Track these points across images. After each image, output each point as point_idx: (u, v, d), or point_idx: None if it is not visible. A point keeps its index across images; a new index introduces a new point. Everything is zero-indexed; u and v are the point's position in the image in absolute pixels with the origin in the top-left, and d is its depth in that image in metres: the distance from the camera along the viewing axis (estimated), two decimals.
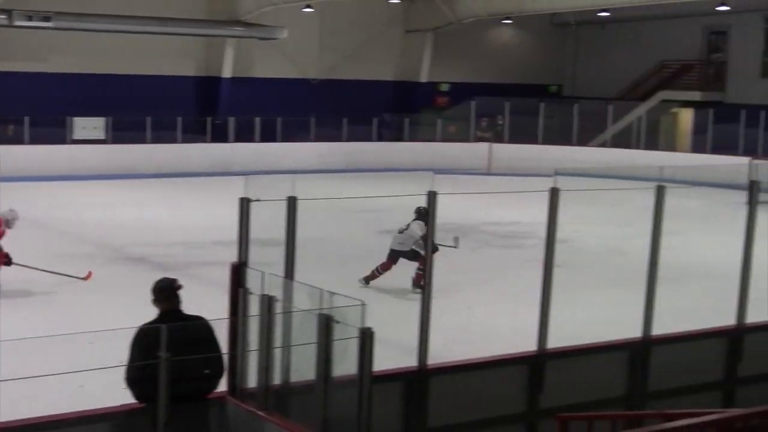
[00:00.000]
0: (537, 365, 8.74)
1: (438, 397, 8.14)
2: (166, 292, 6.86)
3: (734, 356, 9.89)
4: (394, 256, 14.67)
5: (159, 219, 20.97)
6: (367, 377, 6.22)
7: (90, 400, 7.27)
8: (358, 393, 6.23)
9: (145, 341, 6.48)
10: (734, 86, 34.41)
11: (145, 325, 6.62)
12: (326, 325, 6.35)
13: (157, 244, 17.89)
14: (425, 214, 13.93)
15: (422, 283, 14.10)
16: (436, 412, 8.13)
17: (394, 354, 8.53)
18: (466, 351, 10.42)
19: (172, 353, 6.24)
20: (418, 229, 14.13)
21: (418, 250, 14.13)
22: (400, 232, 14.59)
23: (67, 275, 14.34)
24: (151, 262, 15.67)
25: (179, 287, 6.89)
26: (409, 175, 25.47)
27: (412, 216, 14.42)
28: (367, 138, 32.45)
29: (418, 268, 14.24)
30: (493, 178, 29.91)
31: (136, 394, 6.60)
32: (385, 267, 14.71)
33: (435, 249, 14.29)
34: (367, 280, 14.67)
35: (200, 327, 6.75)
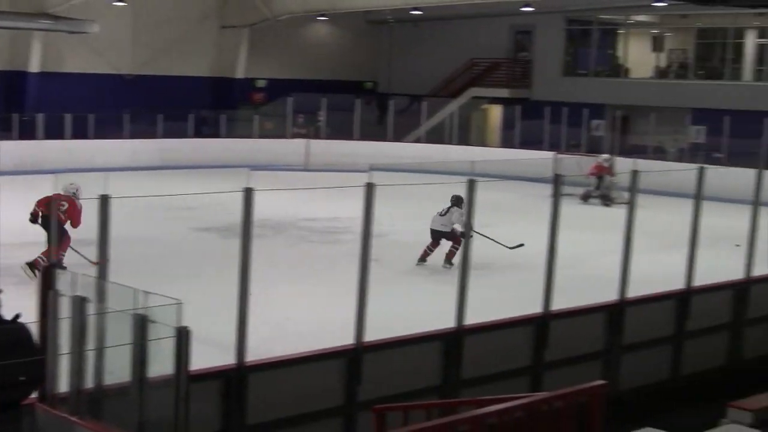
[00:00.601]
0: (354, 358, 8.89)
1: (257, 394, 8.17)
2: None
3: (541, 342, 10.32)
4: (436, 236, 16.23)
5: None
6: (183, 377, 6.18)
7: None
8: (174, 393, 6.19)
9: None
10: (539, 84, 35.71)
11: None
12: (141, 325, 6.28)
13: None
14: (462, 201, 15.51)
15: (452, 260, 15.70)
16: (255, 409, 8.16)
17: (213, 352, 8.50)
18: (284, 347, 10.47)
19: None
20: (458, 215, 15.73)
21: (457, 231, 15.89)
22: (441, 215, 16.20)
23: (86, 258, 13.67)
24: None
25: None
26: (226, 172, 25.23)
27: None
28: (182, 135, 31.93)
29: (453, 246, 15.99)
30: (311, 174, 29.97)
31: None
32: (433, 245, 16.35)
33: (470, 235, 15.55)
34: (423, 258, 16.33)
35: (16, 332, 6.54)
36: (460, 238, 15.77)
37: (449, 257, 16.08)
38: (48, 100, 31.03)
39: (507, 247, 16.43)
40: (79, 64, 32.82)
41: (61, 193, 14.45)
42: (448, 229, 16.14)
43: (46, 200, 14.23)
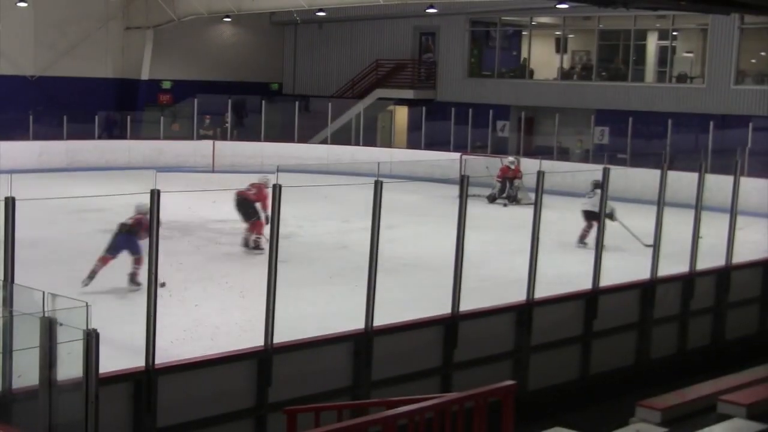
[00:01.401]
0: (265, 360, 8.86)
1: (167, 396, 8.10)
2: None
3: (450, 343, 10.40)
4: (590, 216, 17.93)
5: None
6: (92, 379, 6.11)
7: None
8: (84, 396, 6.12)
9: None
10: (444, 85, 35.92)
11: None
12: (49, 328, 6.18)
13: None
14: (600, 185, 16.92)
15: (586, 240, 17.86)
16: (165, 411, 8.09)
17: (122, 355, 8.42)
18: (194, 349, 10.41)
19: None
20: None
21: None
22: (589, 197, 18.14)
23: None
24: None
25: None
26: (133, 174, 24.95)
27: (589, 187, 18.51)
28: (88, 136, 31.44)
29: (585, 229, 18.37)
30: (218, 176, 29.79)
31: None
32: (588, 226, 18.18)
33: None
34: (582, 240, 18.30)
35: None
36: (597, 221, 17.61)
37: (582, 238, 18.26)
38: None
39: (643, 243, 16.81)
40: None
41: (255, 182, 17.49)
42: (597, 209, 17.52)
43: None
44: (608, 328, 12.12)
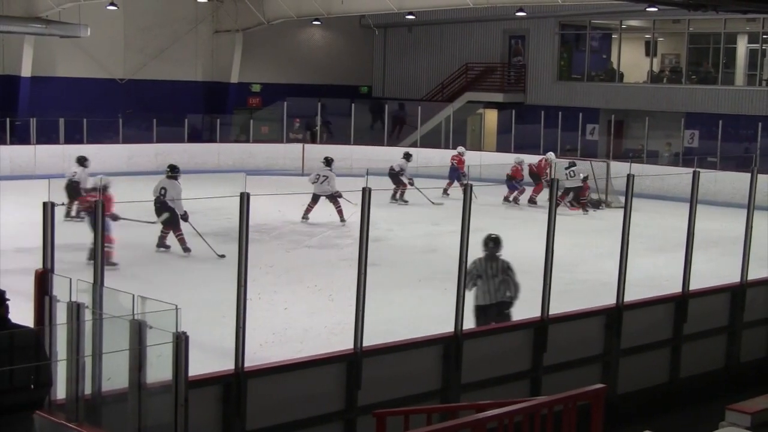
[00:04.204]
0: (354, 363, 8.82)
1: (256, 399, 8.09)
2: None
3: (540, 346, 10.26)
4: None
5: None
6: (182, 383, 6.11)
7: None
8: (173, 399, 6.12)
9: None
10: (533, 88, 35.71)
11: None
12: (138, 330, 6.21)
13: None
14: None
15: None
16: (254, 414, 8.09)
17: (211, 358, 8.45)
18: (283, 352, 10.43)
19: None
20: None
21: None
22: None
23: None
24: None
25: (6, 299, 6.61)
26: (222, 177, 25.20)
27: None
28: (178, 139, 31.87)
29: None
30: (307, 179, 29.93)
31: None
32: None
33: None
34: None
35: (27, 336, 6.47)
36: None
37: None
38: (40, 104, 30.92)
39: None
40: (72, 69, 32.69)
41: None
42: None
43: None
44: (698, 331, 11.89)
